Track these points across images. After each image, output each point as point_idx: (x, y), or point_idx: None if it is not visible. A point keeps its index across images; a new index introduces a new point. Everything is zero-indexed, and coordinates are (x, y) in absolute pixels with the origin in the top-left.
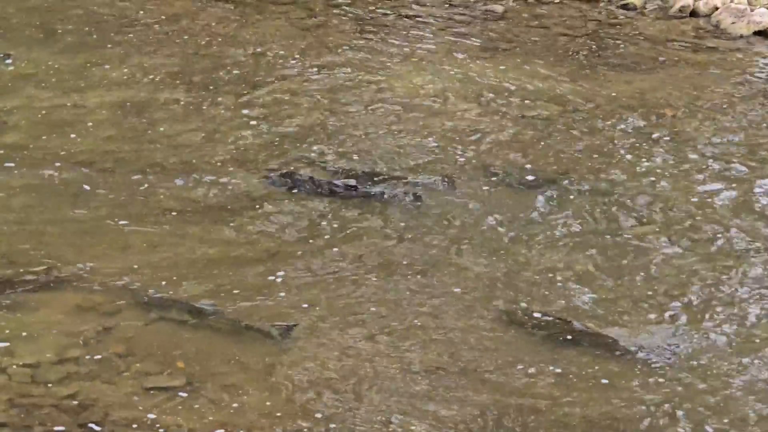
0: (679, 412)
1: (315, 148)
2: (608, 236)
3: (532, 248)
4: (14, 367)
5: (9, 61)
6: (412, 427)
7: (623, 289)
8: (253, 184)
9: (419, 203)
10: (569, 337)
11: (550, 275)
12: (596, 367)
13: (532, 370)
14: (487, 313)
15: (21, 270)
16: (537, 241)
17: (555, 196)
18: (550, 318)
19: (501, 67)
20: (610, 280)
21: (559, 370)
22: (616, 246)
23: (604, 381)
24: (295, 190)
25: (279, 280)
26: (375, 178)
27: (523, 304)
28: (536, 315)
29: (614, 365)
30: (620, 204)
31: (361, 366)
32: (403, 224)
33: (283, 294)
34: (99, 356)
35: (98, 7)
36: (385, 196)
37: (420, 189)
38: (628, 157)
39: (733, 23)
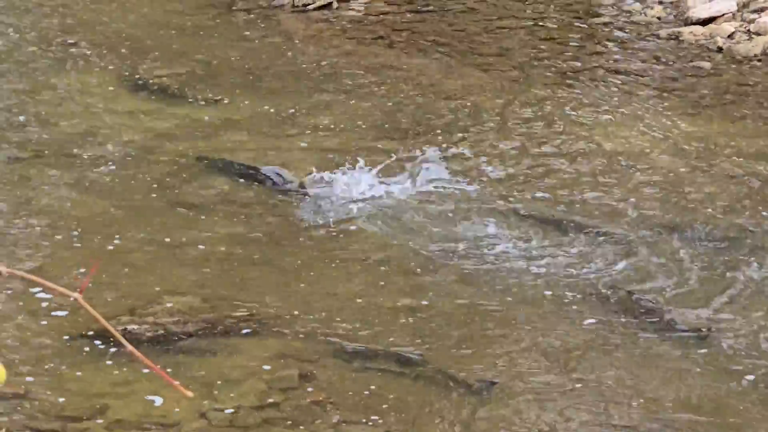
0: None
1: (516, 199)
2: None
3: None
4: (214, 411)
5: (221, 103)
6: None
7: None
8: (464, 233)
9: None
10: None
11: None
12: None
13: None
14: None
15: (224, 314)
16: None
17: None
18: None
19: (708, 124)
20: None
21: None
22: None
23: None
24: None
25: (484, 331)
26: (585, 230)
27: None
28: None
29: None
30: None
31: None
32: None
33: (488, 346)
34: (298, 403)
35: (303, 57)
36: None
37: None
38: None
39: None
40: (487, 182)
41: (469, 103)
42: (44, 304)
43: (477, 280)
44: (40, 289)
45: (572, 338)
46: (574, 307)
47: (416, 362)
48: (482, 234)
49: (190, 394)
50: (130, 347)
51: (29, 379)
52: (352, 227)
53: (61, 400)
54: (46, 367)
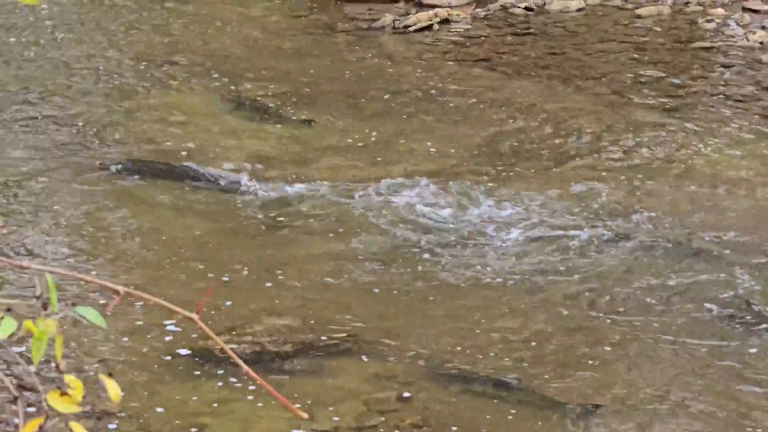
0: None
1: (613, 223)
2: None
3: None
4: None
5: (319, 123)
6: None
7: None
8: (562, 256)
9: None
10: None
11: None
12: None
13: None
14: None
15: (322, 335)
16: None
17: None
18: None
19: None
20: None
21: None
22: None
23: None
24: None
25: (585, 354)
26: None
27: None
28: None
29: None
30: None
31: None
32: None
33: (589, 370)
34: (396, 425)
35: (403, 78)
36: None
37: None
38: None
39: None
40: (586, 206)
41: (569, 127)
42: (145, 323)
43: (577, 301)
44: (140, 308)
45: (678, 361)
46: (679, 329)
47: (514, 386)
48: (580, 255)
49: (305, 416)
50: (246, 368)
51: (129, 396)
52: (450, 251)
53: (159, 418)
54: (147, 385)
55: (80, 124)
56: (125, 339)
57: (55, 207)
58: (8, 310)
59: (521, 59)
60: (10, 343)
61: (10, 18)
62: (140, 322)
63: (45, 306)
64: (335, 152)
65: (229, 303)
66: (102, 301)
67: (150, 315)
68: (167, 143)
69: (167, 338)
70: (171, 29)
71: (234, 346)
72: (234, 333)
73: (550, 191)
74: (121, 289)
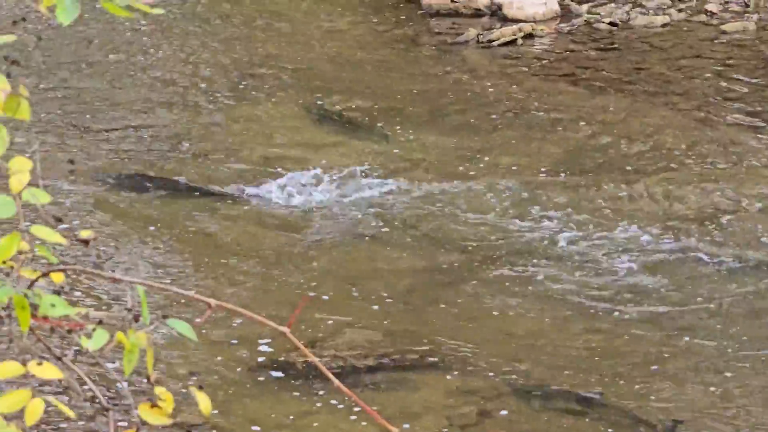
0: None
1: (695, 240)
2: None
3: None
4: None
5: (404, 137)
6: None
7: None
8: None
9: None
10: None
11: None
12: None
13: None
14: None
15: (404, 348)
16: None
17: None
18: None
19: None
20: None
21: None
22: None
23: None
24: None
25: (667, 370)
26: None
27: None
28: None
29: None
30: None
31: None
32: None
33: (671, 385)
34: None
35: (487, 93)
36: None
37: None
38: None
39: None
40: (671, 221)
41: (653, 143)
42: (232, 336)
43: (658, 319)
44: (227, 320)
45: (763, 378)
46: (763, 344)
47: (597, 402)
48: (663, 273)
49: (395, 430)
50: (337, 382)
51: (215, 408)
52: (531, 265)
53: (240, 429)
54: (233, 397)
55: (168, 135)
56: (212, 351)
57: (142, 219)
58: (100, 322)
59: (605, 74)
60: (102, 355)
61: (108, 32)
62: (227, 335)
63: (136, 318)
64: (418, 166)
65: (311, 316)
66: (191, 314)
67: (237, 327)
68: (251, 155)
69: (253, 350)
70: (258, 43)
71: (316, 359)
72: (316, 346)
73: (635, 207)
74: (212, 302)
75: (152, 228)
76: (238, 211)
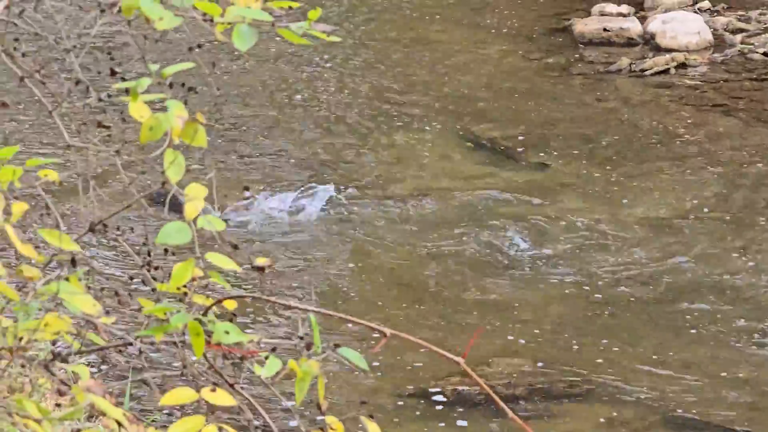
0: None
1: None
2: None
3: None
4: None
5: (554, 166)
6: None
7: None
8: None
9: None
10: None
11: None
12: None
13: None
14: None
15: (554, 378)
16: None
17: None
18: None
19: None
20: None
21: None
22: None
23: None
24: None
25: None
26: None
27: None
28: None
29: None
30: None
31: None
32: None
33: None
34: None
35: (638, 123)
36: None
37: None
38: None
39: None
40: None
41: None
42: (395, 362)
43: None
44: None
45: None
46: None
47: None
48: None
49: None
50: (510, 413)
51: None
52: (686, 298)
53: None
54: (399, 425)
55: (320, 161)
56: (378, 377)
57: (305, 246)
58: (273, 349)
59: (760, 105)
60: (274, 382)
61: (262, 57)
62: (385, 361)
63: (308, 346)
64: (569, 195)
65: (457, 342)
66: (345, 338)
67: (397, 353)
68: (401, 183)
69: (416, 376)
70: (408, 70)
71: (465, 388)
72: (465, 375)
73: None
74: (387, 331)
75: (319, 254)
76: (395, 240)
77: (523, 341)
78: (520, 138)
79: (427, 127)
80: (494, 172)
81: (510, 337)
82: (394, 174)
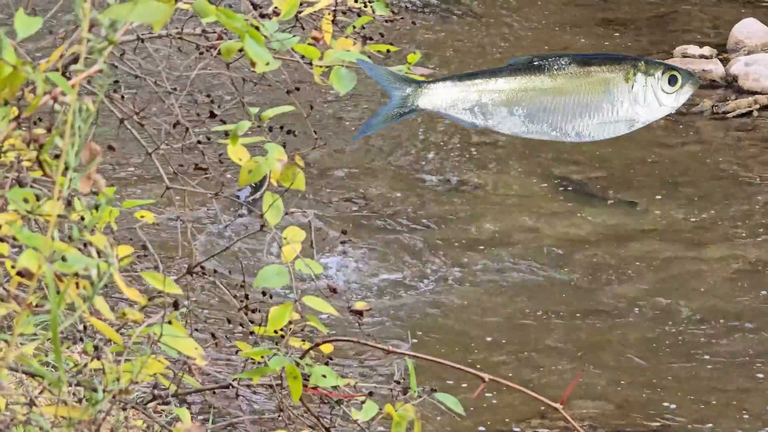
0: None
1: None
2: None
3: None
4: None
5: (637, 208)
6: None
7: None
8: None
9: None
10: None
11: None
12: None
13: None
14: None
15: (636, 422)
16: None
17: None
18: None
19: None
20: None
21: None
22: None
23: None
24: None
25: None
26: None
27: None
28: None
29: None
30: None
31: None
32: None
33: None
34: None
35: (721, 165)
36: None
37: None
38: None
39: None
40: None
41: None
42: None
43: None
44: (469, 390)
45: None
46: None
47: None
48: None
49: None
50: None
51: None
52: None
53: None
54: None
55: (399, 206)
56: (469, 421)
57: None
58: (370, 393)
59: None
60: (370, 426)
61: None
62: (484, 406)
63: (405, 390)
64: (651, 237)
65: (538, 384)
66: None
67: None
68: (479, 224)
69: (501, 419)
70: None
71: (545, 431)
72: (546, 417)
73: None
74: (485, 376)
75: (412, 296)
76: (475, 278)
77: (604, 383)
78: (602, 180)
79: (510, 167)
80: (577, 212)
81: (592, 380)
82: (476, 213)
